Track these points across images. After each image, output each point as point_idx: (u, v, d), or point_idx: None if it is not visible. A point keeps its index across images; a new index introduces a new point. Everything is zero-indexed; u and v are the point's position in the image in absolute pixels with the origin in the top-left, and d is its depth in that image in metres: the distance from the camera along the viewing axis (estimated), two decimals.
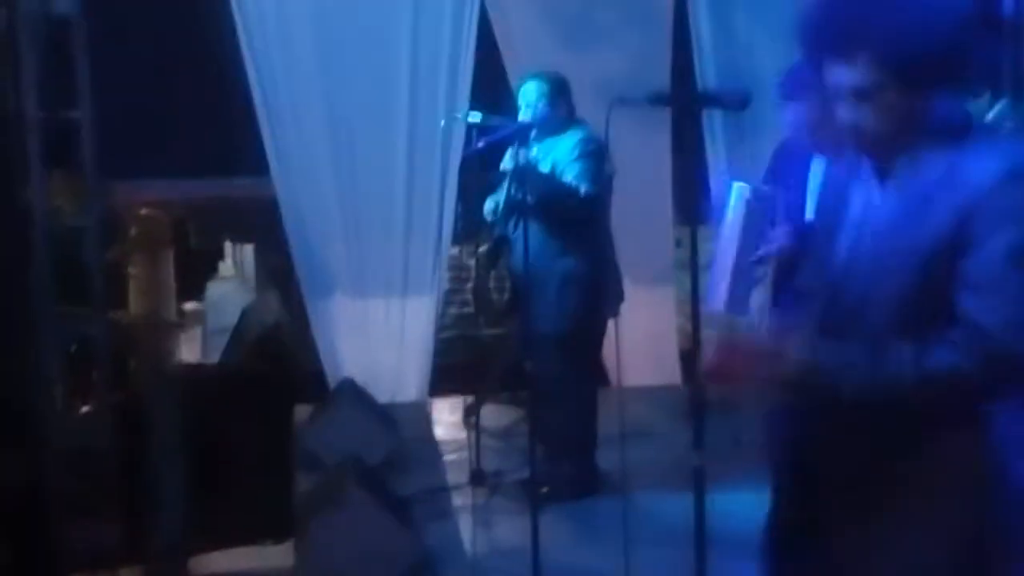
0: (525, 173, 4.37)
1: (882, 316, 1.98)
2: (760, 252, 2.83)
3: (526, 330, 4.56)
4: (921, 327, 1.93)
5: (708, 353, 2.16)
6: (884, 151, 2.01)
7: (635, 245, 5.48)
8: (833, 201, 2.17)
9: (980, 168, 1.90)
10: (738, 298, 2.99)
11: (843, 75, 1.94)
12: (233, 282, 7.45)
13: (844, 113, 1.98)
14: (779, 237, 2.92)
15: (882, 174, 2.04)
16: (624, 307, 4.68)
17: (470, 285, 6.72)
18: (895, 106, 1.93)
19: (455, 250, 6.49)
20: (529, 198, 4.42)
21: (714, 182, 5.95)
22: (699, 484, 2.63)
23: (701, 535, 2.62)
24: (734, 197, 2.98)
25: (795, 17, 2.04)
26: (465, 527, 4.54)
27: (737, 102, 2.75)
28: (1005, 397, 1.96)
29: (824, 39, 1.96)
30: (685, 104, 2.58)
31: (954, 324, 1.91)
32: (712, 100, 2.74)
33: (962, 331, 1.89)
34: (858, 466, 2.04)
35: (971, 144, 1.95)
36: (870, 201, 2.06)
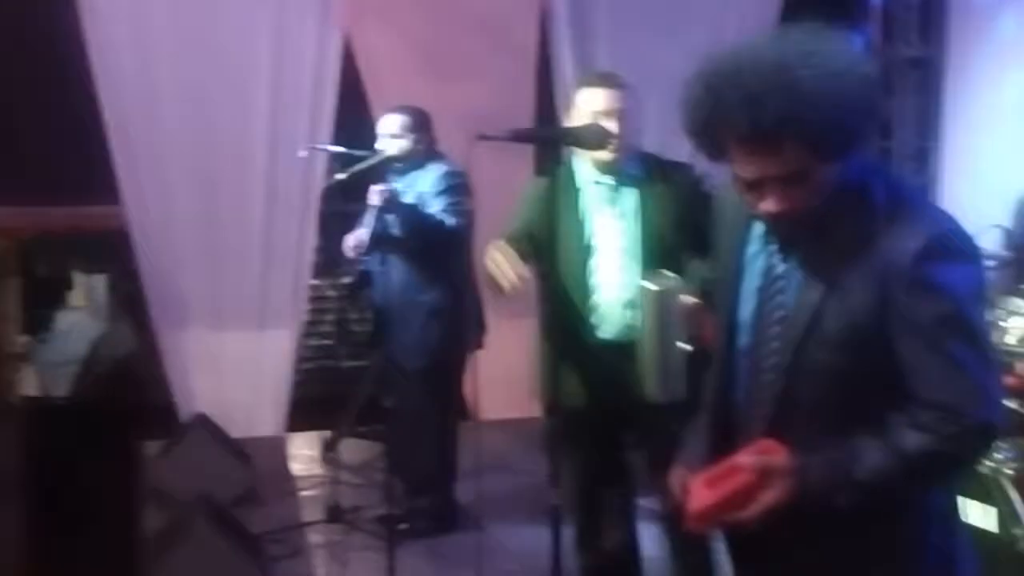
0: (391, 206, 4.33)
1: (813, 392, 1.95)
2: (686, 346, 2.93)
3: (386, 364, 4.52)
4: (853, 402, 1.92)
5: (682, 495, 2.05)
6: (796, 226, 1.94)
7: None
8: (729, 262, 2.11)
9: (894, 245, 1.86)
10: (672, 386, 3.02)
11: (767, 167, 1.86)
12: (83, 312, 7.20)
13: (768, 200, 1.89)
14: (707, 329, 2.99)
15: (786, 247, 1.99)
16: (486, 340, 4.69)
17: (331, 317, 6.64)
18: (819, 183, 1.87)
19: (316, 281, 6.40)
20: (395, 231, 4.39)
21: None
22: (556, 522, 2.63)
23: (558, 572, 2.62)
24: (642, 295, 3.02)
25: (686, 112, 1.93)
26: (321, 565, 4.44)
27: (595, 141, 2.79)
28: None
29: (742, 134, 1.84)
30: (545, 141, 2.58)
31: (910, 406, 1.87)
32: (571, 138, 2.76)
33: (930, 414, 1.85)
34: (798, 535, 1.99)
35: (880, 212, 1.90)
36: (773, 271, 2.02)
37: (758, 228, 2.05)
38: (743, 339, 2.06)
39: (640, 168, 3.33)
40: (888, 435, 1.88)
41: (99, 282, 6.92)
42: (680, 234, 3.20)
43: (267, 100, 5.79)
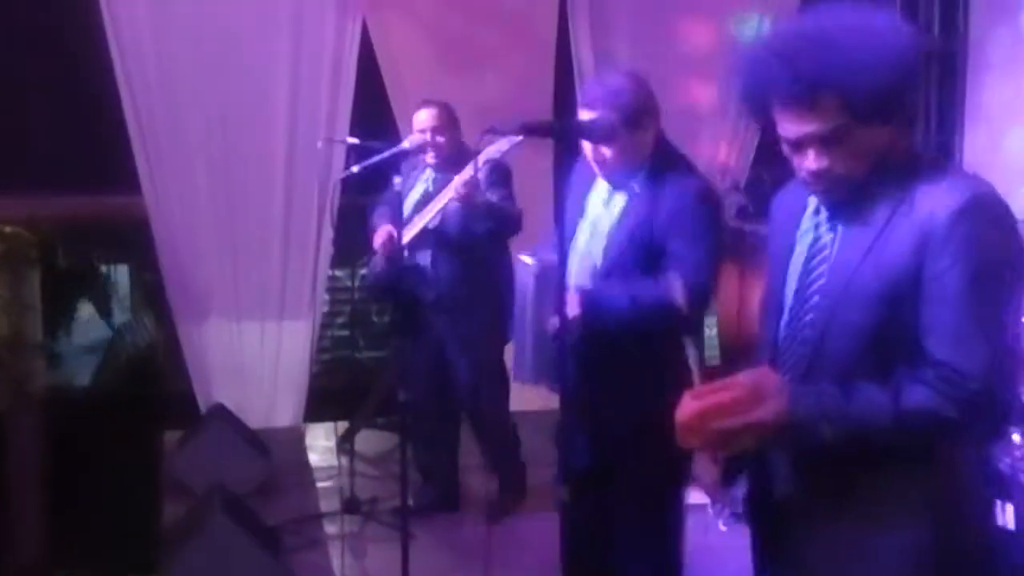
0: (472, 201, 4.26)
1: (844, 354, 1.98)
2: (554, 321, 2.87)
3: (423, 356, 4.57)
4: (883, 365, 1.94)
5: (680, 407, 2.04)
6: (840, 192, 2.01)
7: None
8: (782, 249, 2.16)
9: (933, 204, 1.91)
10: (543, 368, 3.03)
11: (806, 124, 1.94)
12: (105, 302, 7.25)
13: (809, 159, 1.97)
14: (570, 304, 2.98)
15: (834, 214, 2.05)
16: None
17: (349, 308, 6.66)
18: (858, 146, 1.94)
19: (336, 272, 6.42)
20: (452, 225, 4.41)
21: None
22: (565, 517, 2.63)
23: (567, 568, 2.63)
24: (521, 271, 3.04)
25: (737, 75, 2.02)
26: (337, 556, 4.46)
27: (604, 133, 2.78)
28: (976, 437, 1.98)
29: (781, 93, 1.94)
30: (554, 134, 2.57)
31: (922, 364, 1.90)
32: (580, 130, 2.74)
33: (936, 373, 1.88)
34: (822, 490, 2.05)
35: (922, 177, 1.96)
36: (819, 241, 2.07)
37: (812, 208, 2.12)
38: (788, 304, 2.11)
39: (643, 172, 3.14)
40: (890, 385, 1.90)
41: (121, 273, 6.99)
42: (659, 244, 3.08)
43: (286, 91, 5.79)
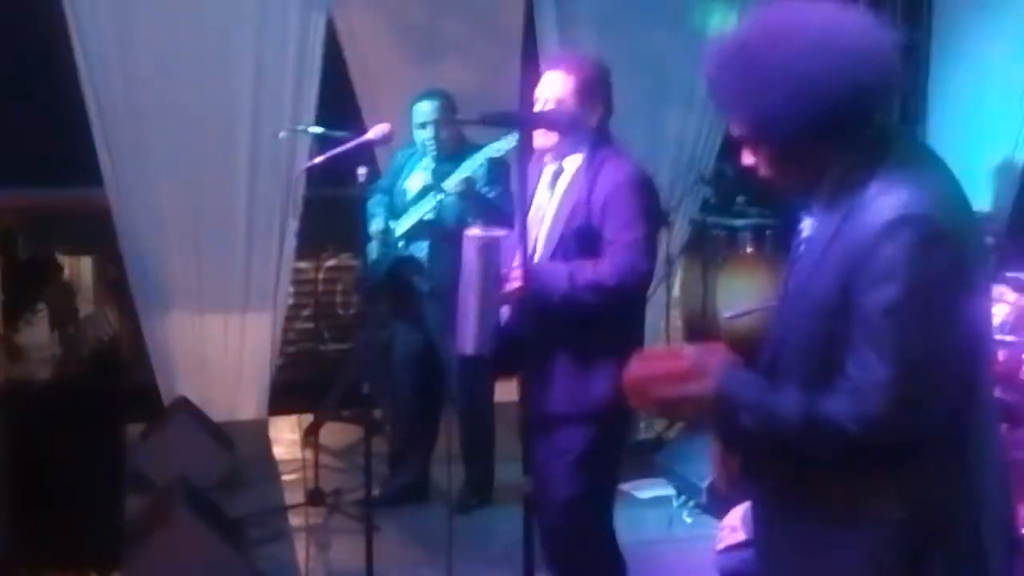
0: (468, 195, 4.29)
1: (793, 365, 1.99)
2: (498, 294, 3.01)
3: (407, 347, 4.58)
4: (829, 377, 1.91)
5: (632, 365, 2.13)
6: (782, 191, 2.04)
7: None
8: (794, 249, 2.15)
9: (865, 220, 1.86)
10: (485, 340, 3.09)
11: (731, 124, 2.01)
12: (68, 294, 7.17)
13: (744, 157, 2.03)
14: (513, 278, 3.07)
15: (810, 209, 2.05)
16: None
17: (314, 300, 6.63)
18: (773, 157, 1.98)
19: (301, 264, 6.38)
20: (448, 217, 4.40)
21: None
22: (528, 509, 2.63)
23: (530, 559, 2.62)
24: (466, 244, 3.07)
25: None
26: (301, 548, 4.43)
27: (565, 124, 2.77)
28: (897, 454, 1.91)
29: (712, 96, 2.03)
30: (515, 125, 2.56)
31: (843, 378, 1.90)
32: (540, 121, 2.74)
33: (847, 387, 1.87)
34: (773, 496, 2.09)
35: (874, 186, 1.90)
36: (800, 247, 2.08)
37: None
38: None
39: (583, 155, 3.19)
40: (813, 392, 1.91)
41: (85, 264, 6.91)
42: (596, 227, 3.14)
43: (250, 81, 5.75)
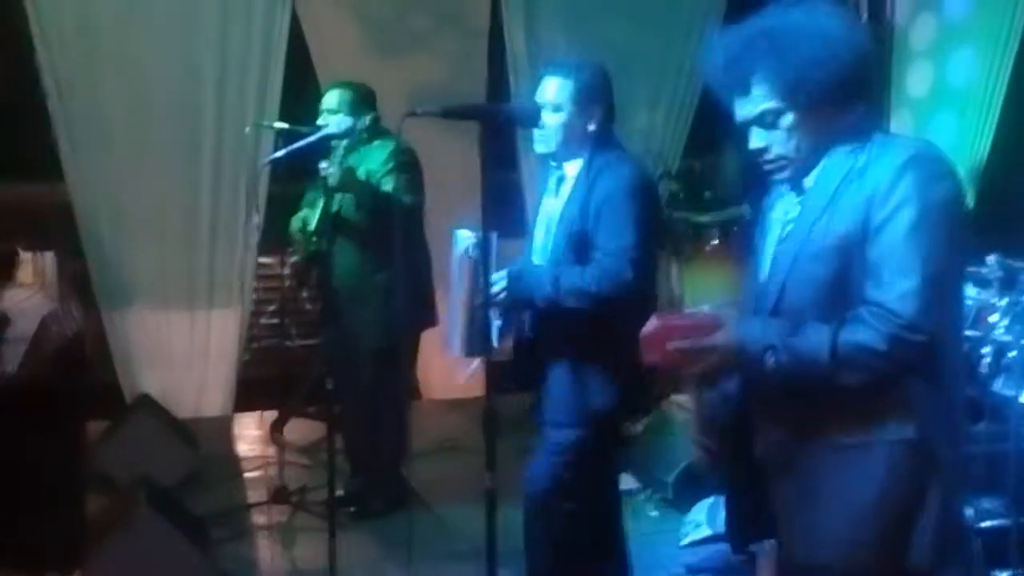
0: (346, 185, 4.25)
1: (801, 303, 2.13)
2: (485, 298, 2.96)
3: (334, 345, 4.46)
4: (836, 315, 2.08)
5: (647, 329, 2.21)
6: (788, 170, 2.19)
7: (445, 257, 5.43)
8: (760, 231, 2.32)
9: (882, 161, 2.08)
10: (474, 341, 3.11)
11: (743, 108, 2.15)
12: (32, 290, 7.09)
13: (752, 142, 2.16)
14: (499, 281, 3.09)
15: (798, 188, 2.22)
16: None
17: (279, 296, 6.58)
18: (794, 128, 2.13)
19: (268, 259, 6.33)
20: (346, 211, 4.33)
21: (528, 195, 6.00)
22: (491, 505, 2.61)
23: (492, 555, 2.60)
24: (457, 245, 3.09)
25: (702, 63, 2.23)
26: (265, 547, 4.40)
27: (528, 118, 2.75)
28: (913, 372, 2.08)
29: (728, 77, 2.15)
30: (477, 118, 2.54)
31: (860, 305, 2.06)
32: (503, 115, 2.72)
33: (868, 311, 2.04)
34: (792, 429, 2.19)
35: (873, 146, 2.12)
36: (788, 215, 2.23)
37: (777, 191, 2.30)
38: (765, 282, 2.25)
39: (581, 155, 3.20)
40: (831, 324, 2.06)
41: (48, 260, 6.82)
42: (591, 232, 3.13)
43: (214, 76, 5.73)
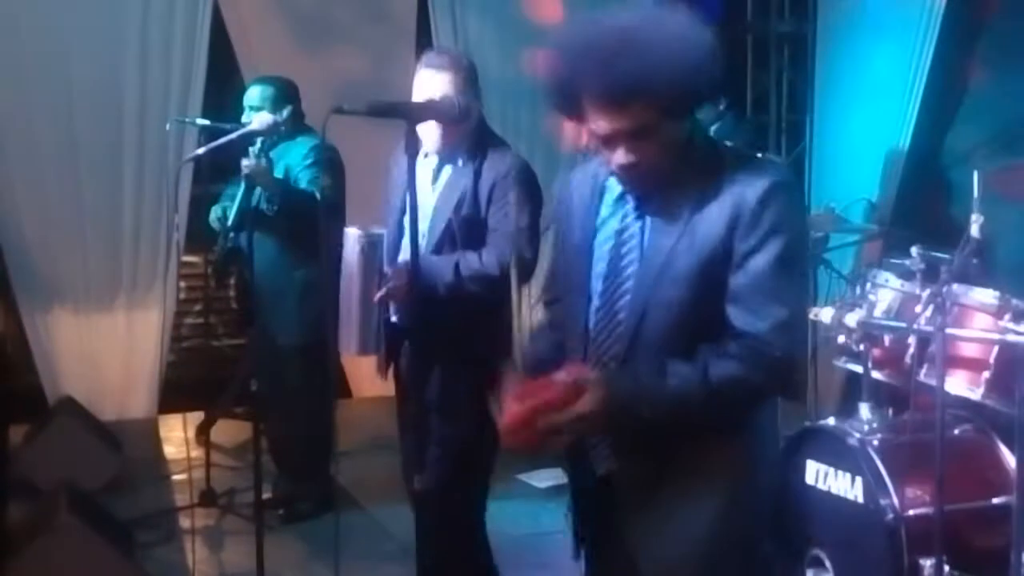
0: (258, 180, 4.19)
1: (662, 331, 2.08)
2: (379, 293, 3.06)
3: (258, 344, 4.40)
4: (696, 340, 2.06)
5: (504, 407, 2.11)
6: (649, 183, 2.11)
7: None
8: (581, 232, 2.23)
9: (741, 187, 2.04)
10: (368, 339, 3.17)
11: (616, 121, 2.02)
12: None
13: (619, 153, 2.05)
14: (393, 277, 3.12)
15: (641, 203, 2.14)
16: None
17: (203, 295, 6.48)
18: (664, 139, 2.05)
19: (193, 258, 6.23)
20: (263, 206, 4.27)
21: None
22: (419, 505, 2.59)
23: (423, 556, 2.58)
24: (347, 243, 3.13)
25: (544, 76, 2.10)
26: (191, 551, 4.33)
27: (453, 115, 2.73)
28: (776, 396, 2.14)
29: (595, 93, 2.01)
30: (403, 117, 2.50)
31: (726, 338, 2.04)
32: (428, 112, 2.69)
33: (740, 344, 2.03)
34: (640, 463, 2.16)
35: (726, 164, 2.09)
36: (627, 229, 2.15)
37: (611, 194, 2.20)
38: (597, 289, 2.18)
39: (465, 148, 3.25)
40: (697, 361, 2.04)
41: None
42: (482, 217, 3.21)
43: (136, 72, 5.64)
